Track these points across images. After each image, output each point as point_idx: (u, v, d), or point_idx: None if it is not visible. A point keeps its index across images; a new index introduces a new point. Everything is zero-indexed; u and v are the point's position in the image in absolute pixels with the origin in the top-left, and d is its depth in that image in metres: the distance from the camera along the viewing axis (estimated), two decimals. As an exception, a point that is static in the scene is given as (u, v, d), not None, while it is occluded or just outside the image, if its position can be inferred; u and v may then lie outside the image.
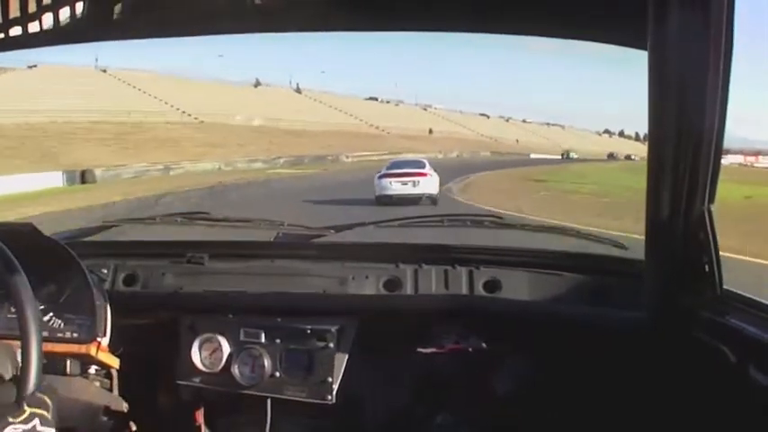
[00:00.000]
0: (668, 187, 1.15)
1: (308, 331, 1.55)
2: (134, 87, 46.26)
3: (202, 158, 35.26)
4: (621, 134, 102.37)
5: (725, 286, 1.20)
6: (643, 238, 1.26)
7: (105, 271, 1.70)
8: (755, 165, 38.99)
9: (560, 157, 54.01)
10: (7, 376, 1.14)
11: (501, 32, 1.41)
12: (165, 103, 45.86)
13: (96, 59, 45.49)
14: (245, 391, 1.55)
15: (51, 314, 1.48)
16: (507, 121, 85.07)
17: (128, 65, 46.52)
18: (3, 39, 1.35)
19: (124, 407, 1.55)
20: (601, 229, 5.46)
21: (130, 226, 2.00)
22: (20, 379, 1.07)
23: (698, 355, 1.22)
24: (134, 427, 1.59)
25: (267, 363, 1.54)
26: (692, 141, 1.09)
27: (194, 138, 39.87)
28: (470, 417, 1.63)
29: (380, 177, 15.51)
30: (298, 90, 62.05)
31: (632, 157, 49.90)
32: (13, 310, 1.32)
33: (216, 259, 1.73)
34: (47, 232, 1.52)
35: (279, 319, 1.58)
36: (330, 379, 1.52)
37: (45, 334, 1.18)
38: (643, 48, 1.09)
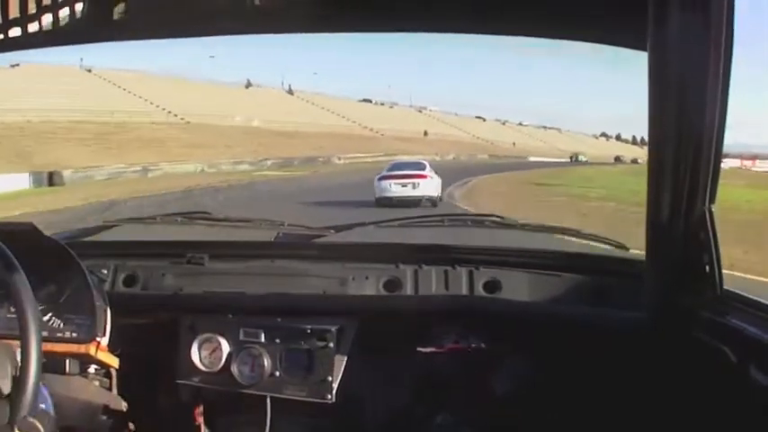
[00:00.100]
0: (669, 187, 1.17)
1: (308, 331, 1.57)
2: (119, 87, 45.50)
3: (187, 160, 34.21)
4: (618, 138, 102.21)
5: (725, 287, 1.22)
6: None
7: (105, 271, 1.71)
8: (753, 168, 39.46)
9: (569, 160, 53.95)
10: (6, 386, 1.12)
11: (501, 33, 1.43)
12: (151, 103, 45.08)
13: (81, 59, 44.76)
14: (245, 391, 1.56)
15: (51, 314, 1.50)
16: (503, 124, 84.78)
17: (114, 65, 45.68)
18: (2, 39, 1.37)
19: (123, 406, 1.56)
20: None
21: (131, 225, 2.01)
22: (18, 379, 1.08)
23: (698, 356, 1.23)
24: (133, 427, 1.61)
25: (267, 362, 1.55)
26: (692, 141, 1.11)
27: (180, 138, 39.04)
28: (470, 417, 1.64)
29: (380, 179, 15.47)
30: (290, 91, 61.97)
31: (638, 161, 49.15)
32: (12, 309, 1.33)
33: (216, 259, 1.75)
34: None
35: (279, 319, 1.59)
36: (330, 378, 1.53)
37: (45, 334, 1.19)
38: (643, 48, 1.11)
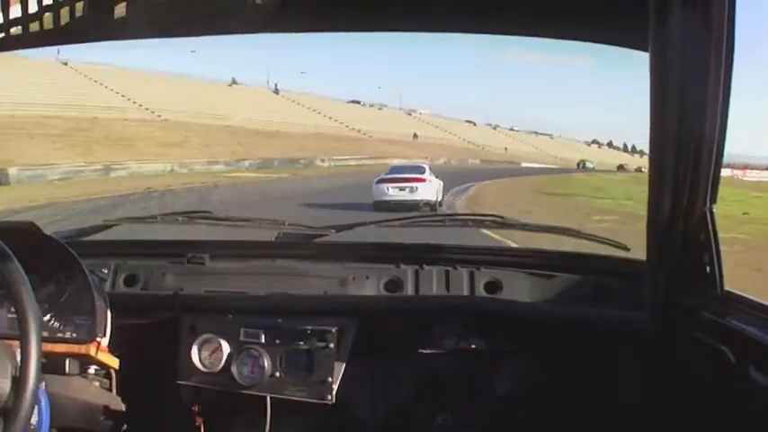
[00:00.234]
0: (670, 188, 1.19)
1: (309, 331, 1.58)
2: (96, 82, 44.39)
3: (158, 159, 32.65)
4: (610, 145, 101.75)
5: (725, 287, 1.23)
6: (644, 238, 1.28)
7: (106, 271, 1.73)
8: (743, 178, 39.59)
9: (576, 167, 54.55)
10: (5, 386, 1.14)
11: (501, 33, 1.45)
12: (128, 99, 44.00)
13: (58, 51, 42.95)
14: (245, 391, 1.58)
15: (51, 314, 1.52)
16: (495, 128, 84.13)
17: (93, 58, 44.37)
18: (3, 38, 1.39)
19: (123, 407, 1.58)
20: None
21: (131, 225, 2.02)
22: (18, 380, 1.10)
23: (699, 356, 1.25)
24: (133, 427, 1.63)
25: (267, 363, 1.57)
26: (693, 141, 1.13)
27: (154, 136, 37.71)
28: (471, 417, 1.67)
29: (378, 182, 15.41)
30: (276, 90, 60.89)
31: (642, 169, 48.34)
32: (13, 309, 1.35)
33: (216, 259, 1.77)
34: None
35: (279, 320, 1.61)
36: (330, 379, 1.54)
37: (45, 334, 1.21)
38: (644, 49, 1.13)
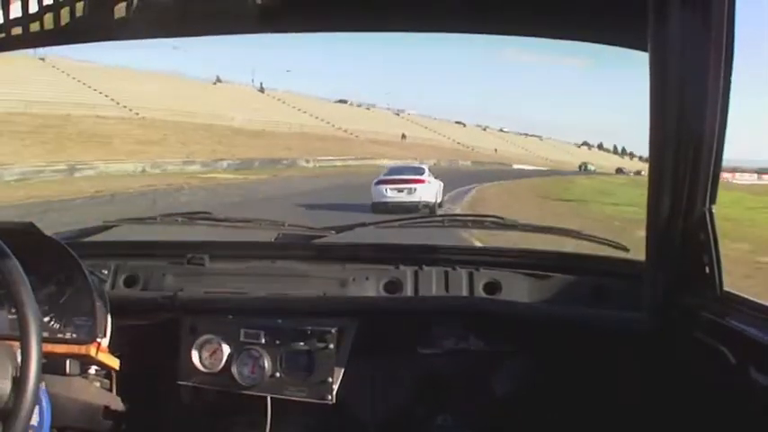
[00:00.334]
0: (669, 188, 1.20)
1: (309, 332, 1.59)
2: (73, 78, 43.36)
3: (131, 158, 31.53)
4: (600, 147, 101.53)
5: (725, 287, 1.25)
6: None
7: (106, 272, 1.75)
8: (732, 181, 38.67)
9: (578, 169, 55.44)
10: (6, 387, 1.16)
11: (500, 33, 1.46)
12: (106, 96, 42.86)
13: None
14: (245, 392, 1.60)
15: (51, 315, 1.53)
16: (484, 129, 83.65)
17: (71, 54, 42.74)
18: (4, 38, 1.40)
19: (123, 407, 1.60)
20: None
21: (131, 226, 2.02)
22: (18, 380, 1.12)
23: (698, 356, 1.26)
24: (134, 428, 1.64)
25: (267, 363, 1.58)
26: (692, 142, 1.14)
27: (130, 134, 36.61)
28: (470, 418, 1.68)
29: (377, 184, 15.45)
30: (261, 89, 59.91)
31: (642, 173, 48.05)
32: (13, 310, 1.36)
33: (216, 260, 1.79)
34: None
35: (279, 321, 1.63)
36: (330, 379, 1.57)
37: (45, 334, 1.22)
38: (644, 49, 1.14)
